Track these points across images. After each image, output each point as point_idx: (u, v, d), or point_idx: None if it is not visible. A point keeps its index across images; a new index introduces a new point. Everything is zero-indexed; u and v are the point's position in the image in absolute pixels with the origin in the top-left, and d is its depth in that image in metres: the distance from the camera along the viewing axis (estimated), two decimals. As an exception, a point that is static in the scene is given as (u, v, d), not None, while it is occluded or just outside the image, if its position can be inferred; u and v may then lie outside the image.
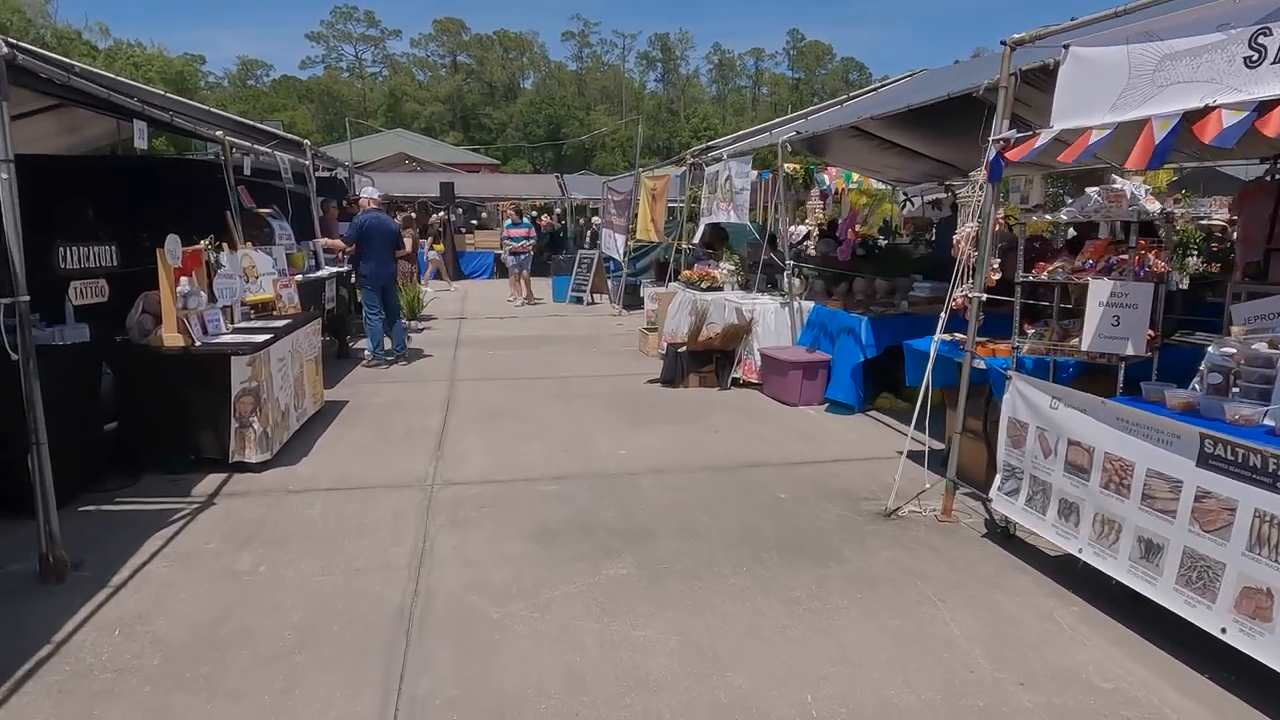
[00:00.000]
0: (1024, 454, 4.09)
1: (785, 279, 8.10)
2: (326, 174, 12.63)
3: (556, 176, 24.63)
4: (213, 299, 5.76)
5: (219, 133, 6.79)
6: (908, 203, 15.19)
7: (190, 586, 3.74)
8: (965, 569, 4.01)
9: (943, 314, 4.61)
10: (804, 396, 7.40)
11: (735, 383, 8.18)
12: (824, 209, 12.19)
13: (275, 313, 6.70)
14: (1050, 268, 4.15)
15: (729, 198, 9.44)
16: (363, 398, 7.60)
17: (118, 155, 8.92)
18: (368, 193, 9.14)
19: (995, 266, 4.66)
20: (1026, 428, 4.07)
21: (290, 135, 10.26)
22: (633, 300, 14.51)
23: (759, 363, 8.05)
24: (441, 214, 20.84)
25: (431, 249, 19.70)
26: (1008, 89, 4.35)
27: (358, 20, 77.51)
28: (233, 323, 5.94)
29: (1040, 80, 4.29)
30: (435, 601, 3.63)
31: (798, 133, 7.85)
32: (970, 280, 4.63)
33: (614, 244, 15.27)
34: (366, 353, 9.19)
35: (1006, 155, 4.10)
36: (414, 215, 17.85)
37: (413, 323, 12.10)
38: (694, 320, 8.37)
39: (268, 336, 5.48)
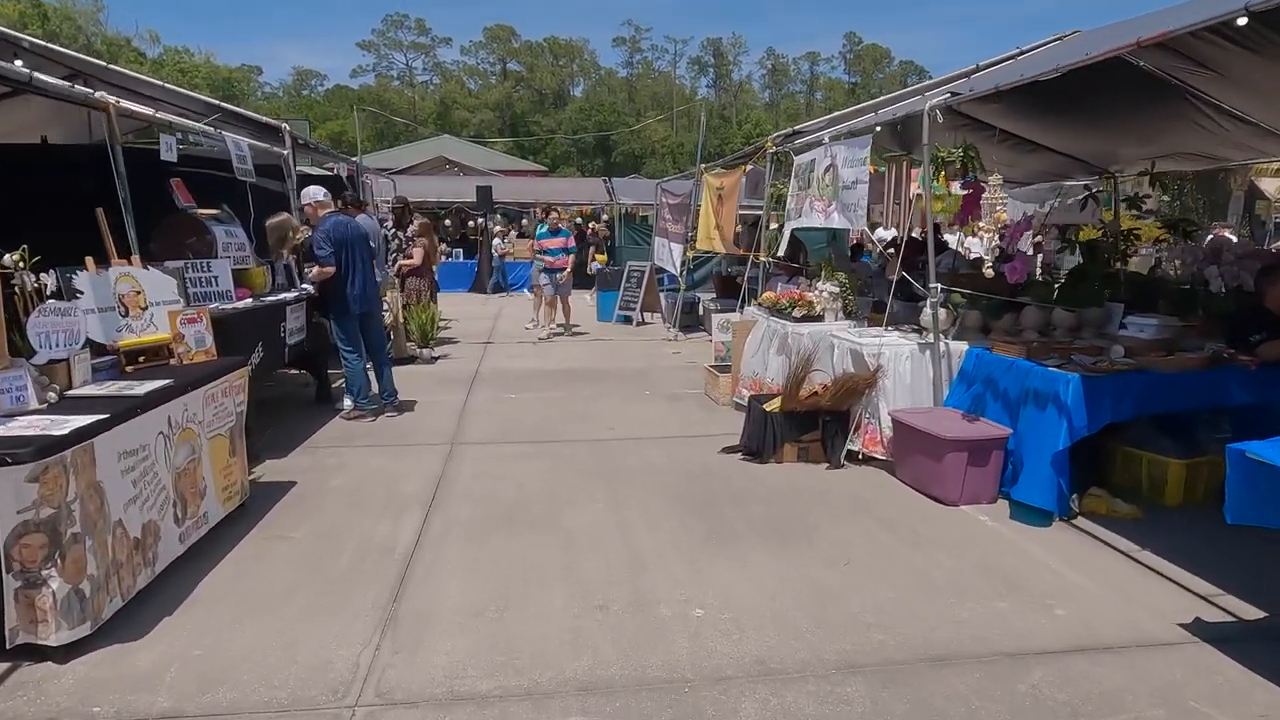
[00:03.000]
0: None
1: (930, 309, 5.56)
2: (325, 169, 10.54)
3: (604, 181, 22.28)
4: (26, 352, 3.51)
5: (99, 94, 4.58)
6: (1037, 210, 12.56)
7: None
8: None
9: None
10: (968, 492, 4.85)
11: (850, 457, 5.69)
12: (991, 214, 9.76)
13: (175, 361, 4.47)
14: None
15: (830, 195, 6.94)
16: (319, 476, 5.32)
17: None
18: (311, 193, 6.74)
19: None
20: None
21: (266, 118, 8.12)
22: (690, 321, 12.15)
23: (887, 430, 5.54)
24: (481, 220, 18.77)
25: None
26: None
27: (408, 28, 76.68)
28: (69, 387, 3.68)
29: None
30: None
31: (952, 94, 5.32)
32: None
33: (668, 254, 12.87)
34: (347, 400, 6.94)
35: None
36: (444, 220, 15.72)
37: (424, 351, 9.86)
38: (792, 365, 5.89)
39: (93, 420, 3.18)
